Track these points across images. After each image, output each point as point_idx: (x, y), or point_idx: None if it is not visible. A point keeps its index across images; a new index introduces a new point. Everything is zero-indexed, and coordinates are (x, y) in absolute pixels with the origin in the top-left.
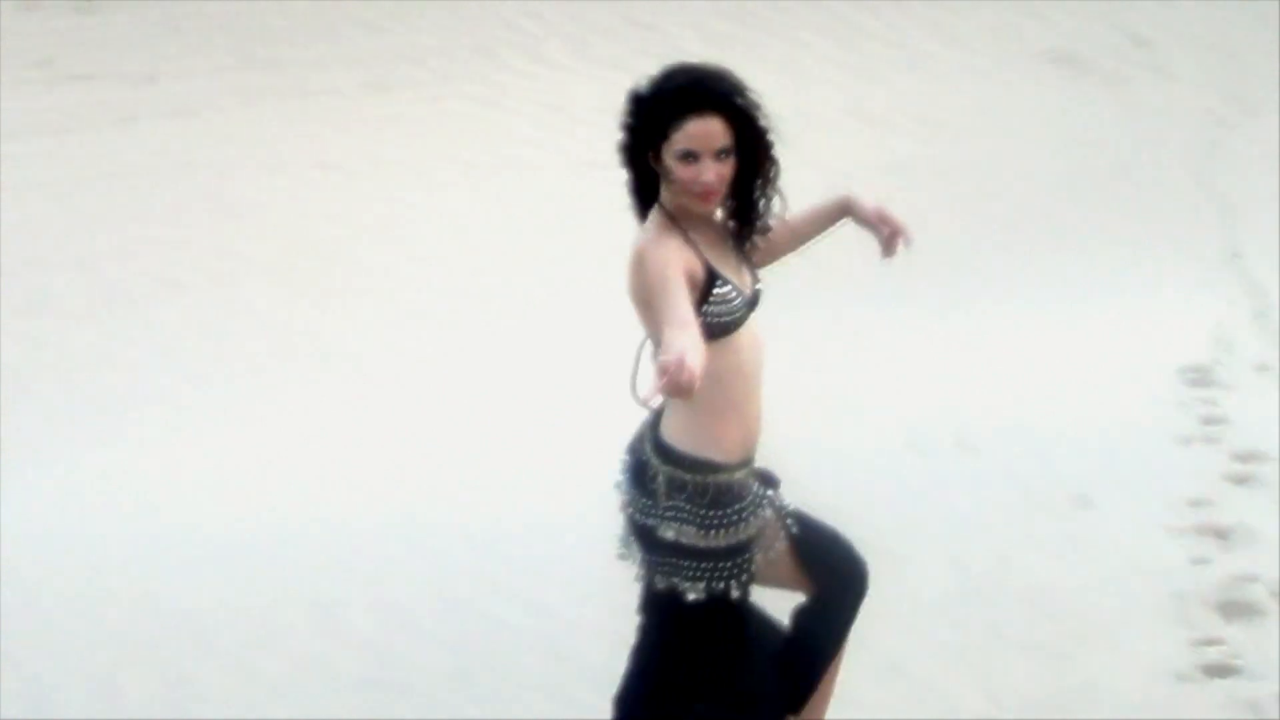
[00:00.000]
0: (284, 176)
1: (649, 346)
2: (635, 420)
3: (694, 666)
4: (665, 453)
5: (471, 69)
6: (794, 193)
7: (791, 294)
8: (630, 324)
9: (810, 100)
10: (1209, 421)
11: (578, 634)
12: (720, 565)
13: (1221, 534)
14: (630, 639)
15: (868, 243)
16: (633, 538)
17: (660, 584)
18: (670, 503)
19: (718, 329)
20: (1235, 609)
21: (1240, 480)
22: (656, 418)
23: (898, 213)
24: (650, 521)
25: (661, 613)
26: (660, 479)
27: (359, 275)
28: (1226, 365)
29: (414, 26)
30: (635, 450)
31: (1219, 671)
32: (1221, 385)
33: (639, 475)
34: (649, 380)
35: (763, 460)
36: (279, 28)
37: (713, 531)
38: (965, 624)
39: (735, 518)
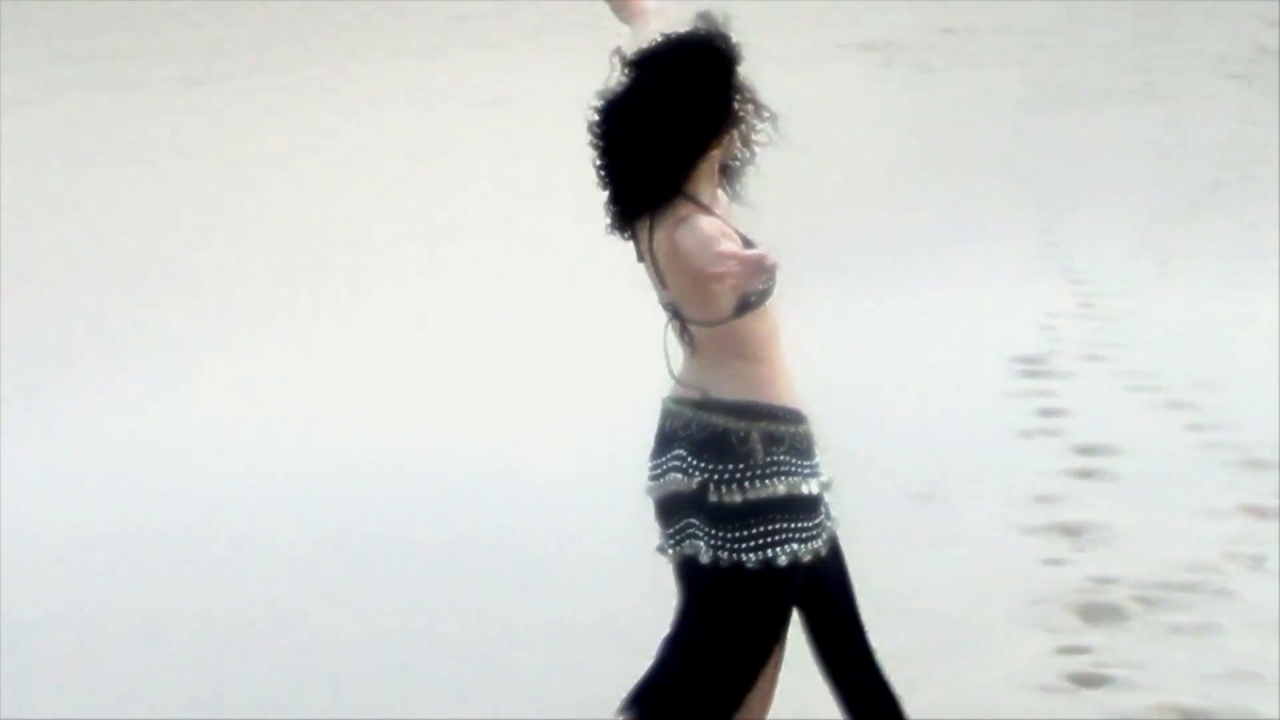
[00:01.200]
0: (96, 170)
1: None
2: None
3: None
4: (752, 411)
5: (286, 62)
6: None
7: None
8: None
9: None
10: (1047, 413)
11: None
12: (818, 518)
13: (1073, 531)
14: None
15: None
16: (708, 521)
17: (753, 559)
18: (770, 459)
19: (764, 295)
20: (1097, 612)
21: (1085, 474)
22: (698, 394)
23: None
24: (752, 485)
25: (748, 590)
26: (754, 437)
27: (173, 267)
28: (1058, 355)
29: (226, 20)
30: (700, 426)
31: (1088, 681)
32: (1055, 375)
33: (719, 446)
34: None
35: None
36: (91, 21)
37: (814, 480)
38: None
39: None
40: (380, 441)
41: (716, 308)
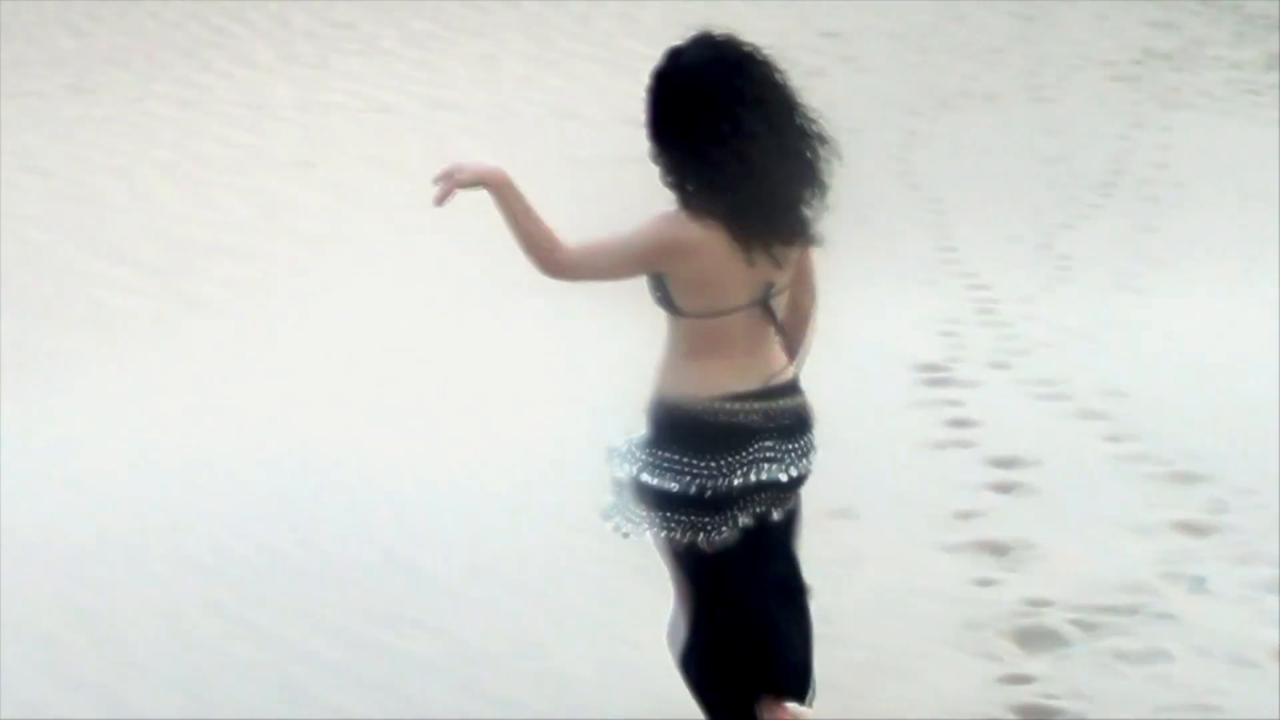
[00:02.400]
0: None
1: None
2: None
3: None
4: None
5: (173, 70)
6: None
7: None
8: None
9: (510, 97)
10: (957, 424)
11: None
12: None
13: (999, 550)
14: None
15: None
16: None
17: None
18: None
19: None
20: (1035, 638)
21: (1004, 489)
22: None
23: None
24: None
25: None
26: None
27: (63, 278)
28: (962, 362)
29: (116, 28)
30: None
31: (1035, 713)
32: (961, 384)
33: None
34: None
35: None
36: None
37: None
38: None
39: None
40: (263, 456)
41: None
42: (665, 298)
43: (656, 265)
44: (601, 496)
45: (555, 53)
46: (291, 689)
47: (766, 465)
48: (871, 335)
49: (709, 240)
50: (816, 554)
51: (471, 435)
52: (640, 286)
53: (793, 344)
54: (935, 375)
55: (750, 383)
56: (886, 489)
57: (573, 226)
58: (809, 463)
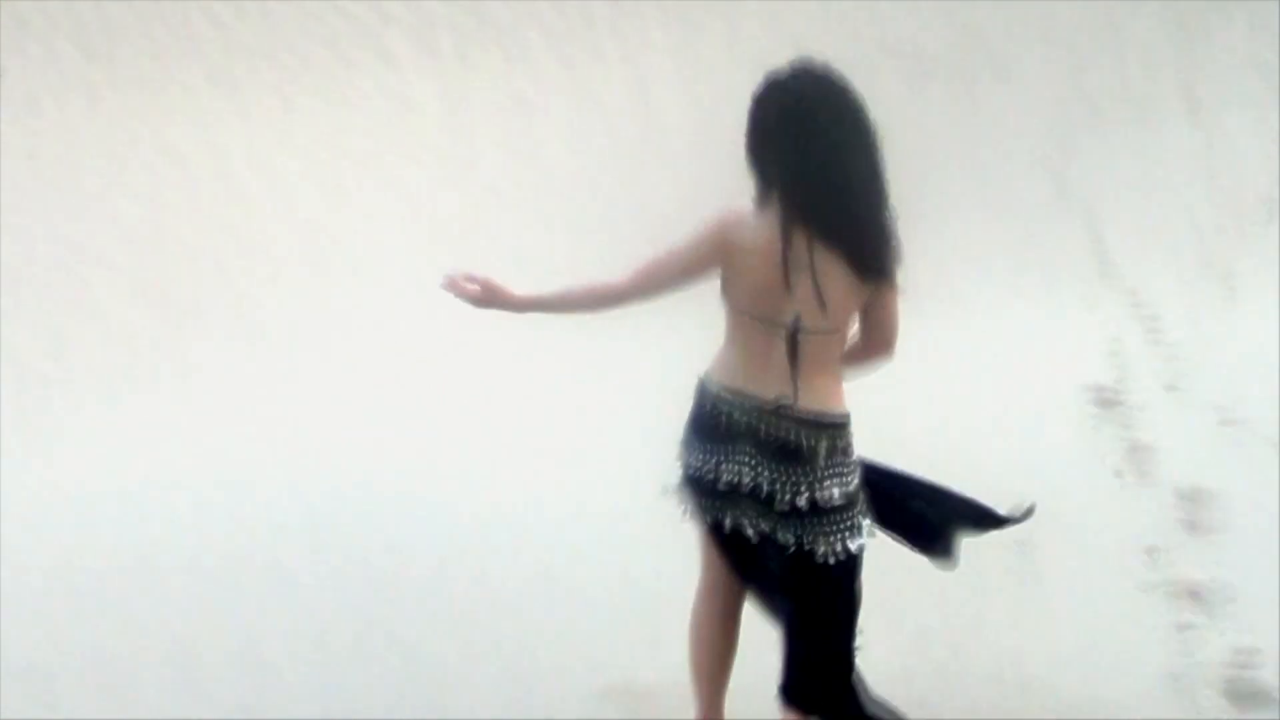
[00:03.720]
0: (129, 171)
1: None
2: None
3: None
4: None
5: (318, 64)
6: (645, 191)
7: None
8: None
9: (654, 98)
10: (1135, 450)
11: None
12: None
13: (1196, 592)
14: None
15: None
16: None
17: (834, 550)
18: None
19: None
20: (1247, 695)
21: (1192, 525)
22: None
23: None
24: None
25: (837, 577)
26: (823, 445)
27: (207, 275)
28: (1132, 384)
29: (261, 21)
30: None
31: None
32: (1134, 407)
33: (793, 453)
34: None
35: None
36: (124, 21)
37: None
38: (928, 705)
39: None
40: (375, 473)
41: (850, 315)
42: (722, 280)
43: (713, 258)
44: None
45: (700, 53)
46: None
47: (740, 469)
48: (1035, 355)
49: (758, 230)
50: (999, 585)
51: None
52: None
53: (851, 364)
54: (1105, 397)
55: (756, 389)
56: (1068, 519)
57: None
58: (805, 499)
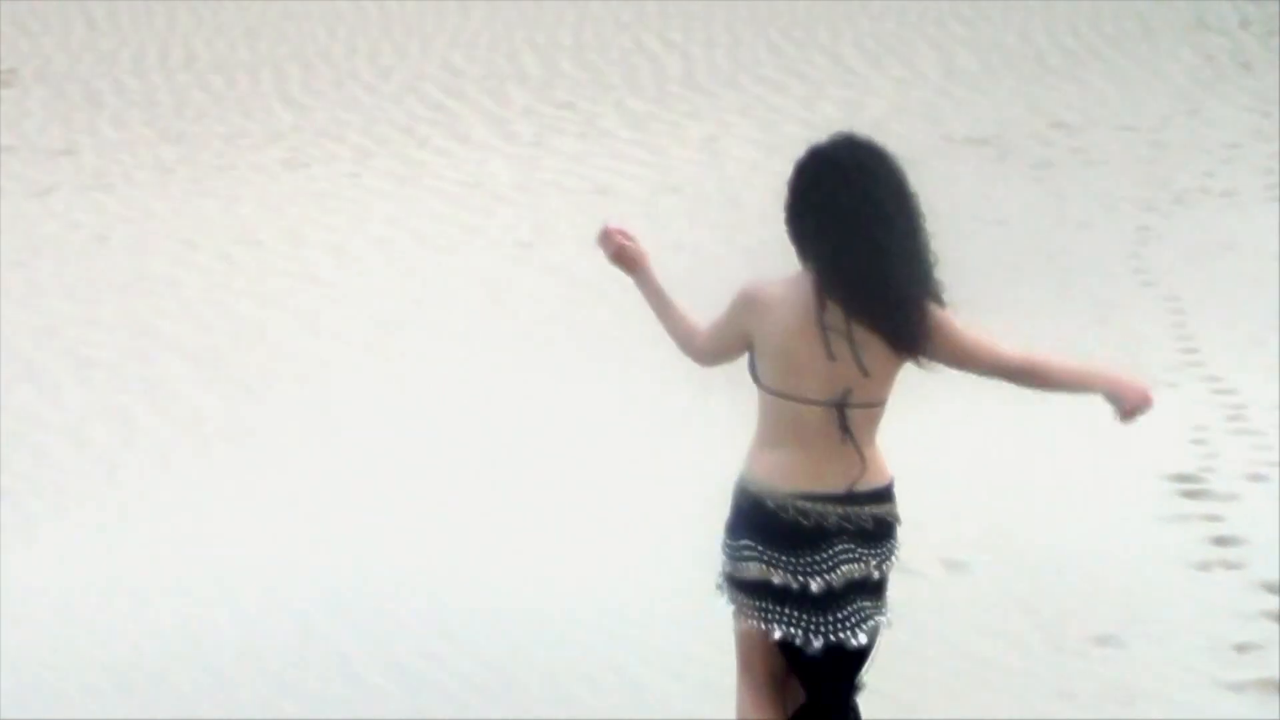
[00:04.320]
0: (201, 252)
1: None
2: None
3: None
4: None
5: (391, 146)
6: (723, 272)
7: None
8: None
9: (734, 182)
10: (1222, 542)
11: None
12: None
13: None
14: None
15: None
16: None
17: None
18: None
19: None
20: None
21: None
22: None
23: None
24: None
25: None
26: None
27: (277, 357)
28: (1216, 474)
29: (334, 103)
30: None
31: None
32: (1219, 497)
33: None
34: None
35: None
36: (198, 101)
37: None
38: None
39: None
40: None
41: (889, 386)
42: (751, 362)
43: (739, 323)
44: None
45: (780, 138)
46: None
47: (847, 565)
48: (1118, 443)
49: (788, 299)
50: (1082, 688)
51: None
52: None
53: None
54: (1190, 487)
55: (830, 485)
56: (1153, 615)
57: None
58: (888, 566)
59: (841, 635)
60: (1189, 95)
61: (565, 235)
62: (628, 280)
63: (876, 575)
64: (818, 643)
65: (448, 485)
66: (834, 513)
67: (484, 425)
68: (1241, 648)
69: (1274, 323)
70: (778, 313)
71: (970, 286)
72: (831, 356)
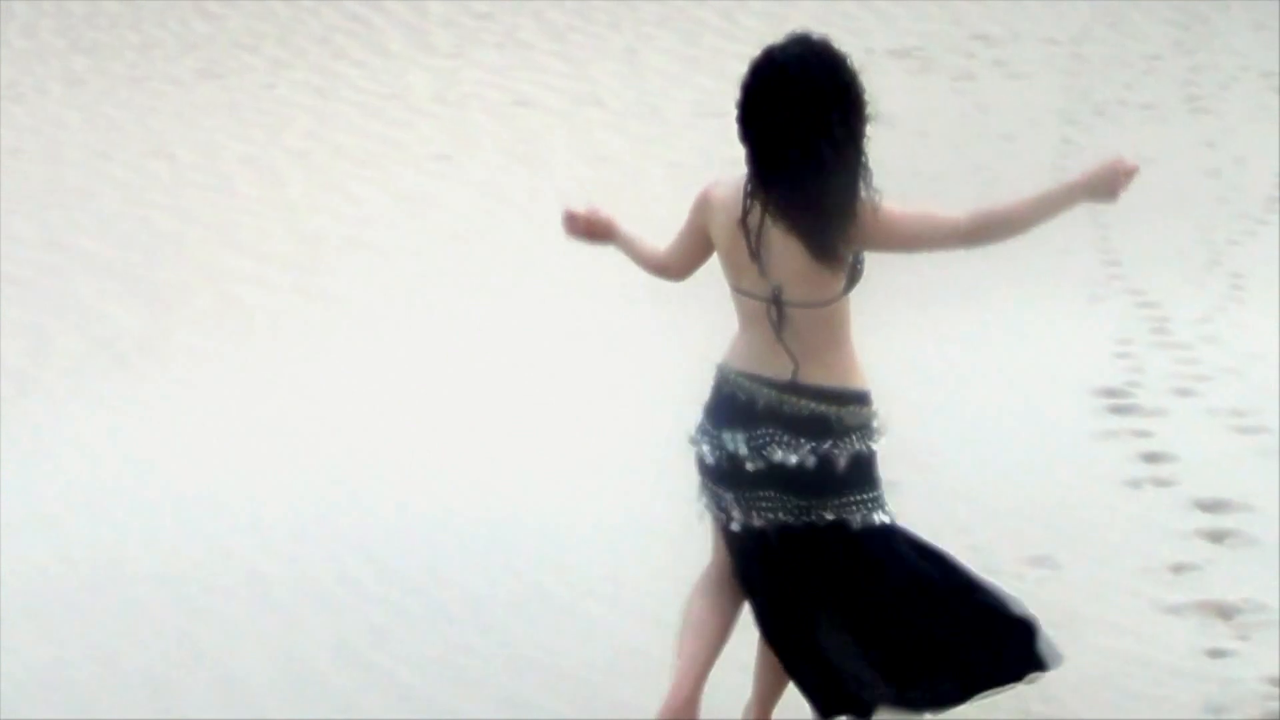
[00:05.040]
0: (114, 164)
1: None
2: None
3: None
4: (843, 397)
5: (308, 57)
6: (645, 185)
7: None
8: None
9: (653, 94)
10: (1152, 459)
11: None
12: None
13: (1226, 613)
14: None
15: None
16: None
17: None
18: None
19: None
20: None
21: (1217, 537)
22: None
23: None
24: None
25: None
26: (844, 419)
27: (193, 271)
28: (1143, 388)
29: (249, 13)
30: (793, 408)
31: None
32: (1147, 412)
33: (817, 427)
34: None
35: None
36: (110, 10)
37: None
38: None
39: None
40: (391, 449)
41: (829, 288)
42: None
43: (698, 222)
44: None
45: (701, 50)
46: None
47: (773, 448)
48: (1044, 357)
49: (729, 198)
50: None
51: (602, 442)
52: None
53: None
54: (1117, 402)
55: (773, 371)
56: (1086, 534)
57: None
58: (830, 464)
59: (741, 515)
60: (1110, 8)
61: (485, 148)
62: (545, 191)
63: (806, 462)
64: (725, 519)
65: (365, 397)
66: (768, 396)
67: (403, 336)
68: (1178, 568)
69: (1196, 235)
70: (721, 211)
71: (891, 193)
72: (754, 256)
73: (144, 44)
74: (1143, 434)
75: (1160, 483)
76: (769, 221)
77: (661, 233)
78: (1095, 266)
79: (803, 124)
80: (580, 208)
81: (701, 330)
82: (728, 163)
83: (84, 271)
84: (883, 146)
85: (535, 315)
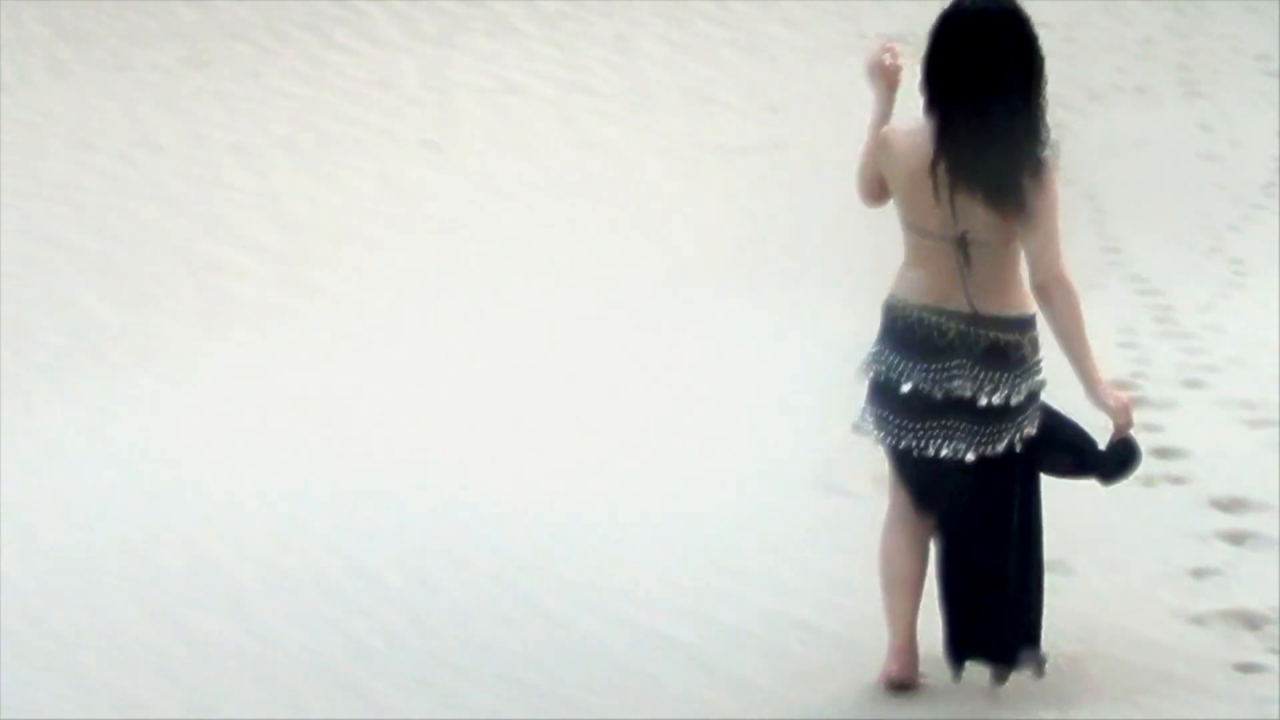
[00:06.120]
0: (99, 154)
1: None
2: None
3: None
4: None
5: (296, 44)
6: (636, 172)
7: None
8: None
9: (644, 80)
10: (1164, 455)
11: None
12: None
13: (1253, 623)
14: None
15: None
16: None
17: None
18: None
19: None
20: None
21: (1237, 539)
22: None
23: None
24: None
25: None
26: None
27: (178, 262)
28: (1150, 379)
29: (237, 1)
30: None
31: None
32: (1156, 405)
33: (999, 356)
34: None
35: None
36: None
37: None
38: None
39: None
40: (383, 466)
41: (1010, 229)
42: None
43: (875, 160)
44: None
45: (692, 35)
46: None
47: (956, 381)
48: (1048, 350)
49: (910, 147)
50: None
51: (599, 441)
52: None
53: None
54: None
55: (954, 304)
56: (1101, 537)
57: (711, 216)
58: (1001, 397)
59: (920, 444)
60: None
61: (474, 135)
62: (536, 181)
63: (984, 401)
64: (902, 445)
65: (352, 392)
66: (954, 327)
67: (391, 329)
68: (1198, 573)
69: (1194, 221)
70: (901, 157)
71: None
72: (939, 201)
73: (129, 32)
74: (1153, 428)
75: (1174, 480)
76: (952, 178)
77: (655, 219)
78: (1094, 252)
79: (997, 75)
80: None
81: (700, 323)
82: (719, 149)
83: (65, 264)
84: None
85: (525, 305)
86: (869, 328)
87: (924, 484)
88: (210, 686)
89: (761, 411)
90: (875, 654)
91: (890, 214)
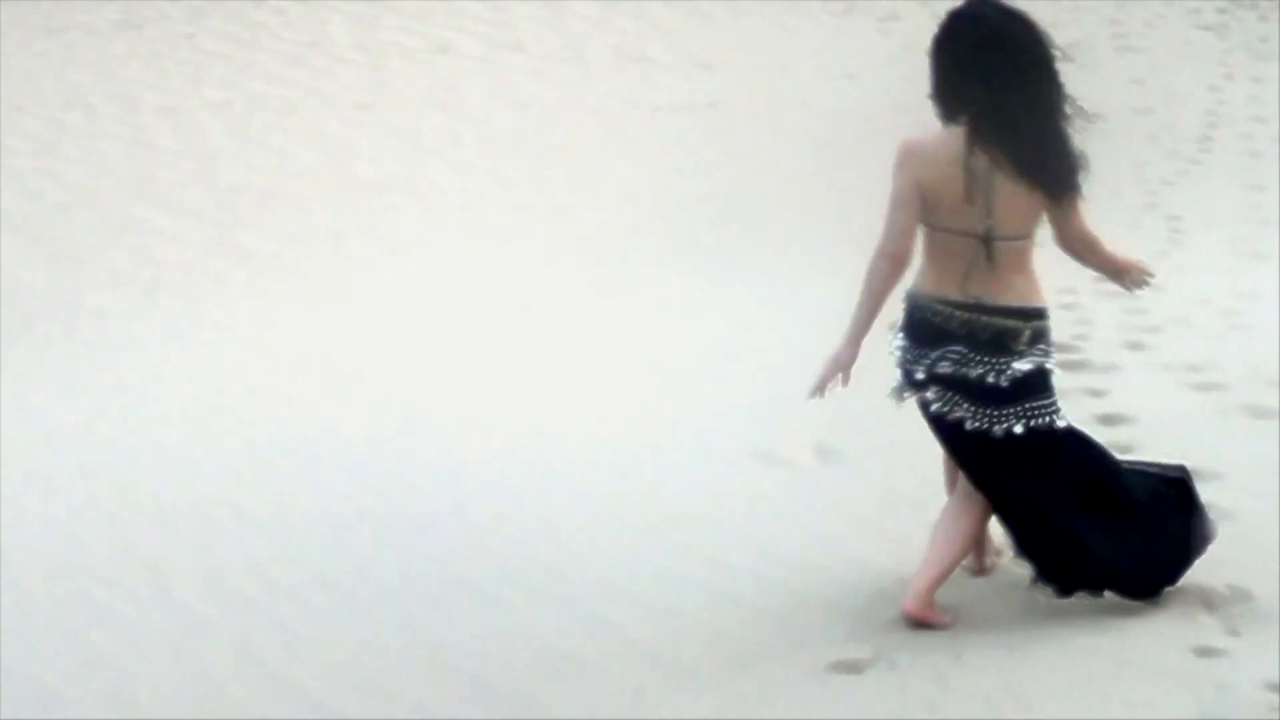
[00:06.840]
0: (29, 117)
1: None
2: None
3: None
4: (1026, 313)
5: (227, 6)
6: (566, 131)
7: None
8: None
9: (576, 39)
10: (1109, 421)
11: None
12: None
13: (1211, 603)
14: None
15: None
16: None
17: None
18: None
19: None
20: None
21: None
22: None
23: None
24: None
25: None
26: (1026, 334)
27: (108, 226)
28: (1092, 341)
29: None
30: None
31: None
32: (1098, 369)
33: (998, 342)
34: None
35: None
36: None
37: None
38: None
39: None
40: (305, 420)
41: (1033, 224)
42: None
43: (908, 171)
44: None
45: None
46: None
47: (950, 364)
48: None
49: (938, 147)
50: (980, 592)
51: (529, 411)
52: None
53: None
54: (1067, 358)
55: (965, 294)
56: None
57: (643, 176)
58: (1013, 375)
59: (938, 410)
60: None
61: (406, 95)
62: (467, 140)
63: (991, 380)
64: (938, 418)
65: (283, 361)
66: (958, 317)
67: (323, 292)
68: None
69: (1130, 176)
70: (931, 162)
71: (817, 138)
72: (969, 199)
73: None
74: (1096, 393)
75: (1121, 448)
76: (993, 171)
77: (587, 179)
78: None
79: (1031, 74)
80: (830, 381)
81: (632, 285)
82: (650, 107)
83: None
84: (809, 89)
85: (455, 266)
86: (803, 287)
87: (954, 449)
88: (131, 673)
89: (695, 378)
90: (818, 632)
91: (823, 174)
